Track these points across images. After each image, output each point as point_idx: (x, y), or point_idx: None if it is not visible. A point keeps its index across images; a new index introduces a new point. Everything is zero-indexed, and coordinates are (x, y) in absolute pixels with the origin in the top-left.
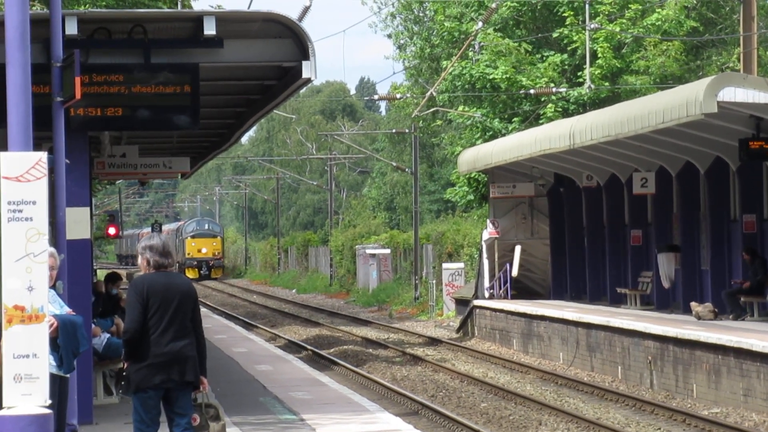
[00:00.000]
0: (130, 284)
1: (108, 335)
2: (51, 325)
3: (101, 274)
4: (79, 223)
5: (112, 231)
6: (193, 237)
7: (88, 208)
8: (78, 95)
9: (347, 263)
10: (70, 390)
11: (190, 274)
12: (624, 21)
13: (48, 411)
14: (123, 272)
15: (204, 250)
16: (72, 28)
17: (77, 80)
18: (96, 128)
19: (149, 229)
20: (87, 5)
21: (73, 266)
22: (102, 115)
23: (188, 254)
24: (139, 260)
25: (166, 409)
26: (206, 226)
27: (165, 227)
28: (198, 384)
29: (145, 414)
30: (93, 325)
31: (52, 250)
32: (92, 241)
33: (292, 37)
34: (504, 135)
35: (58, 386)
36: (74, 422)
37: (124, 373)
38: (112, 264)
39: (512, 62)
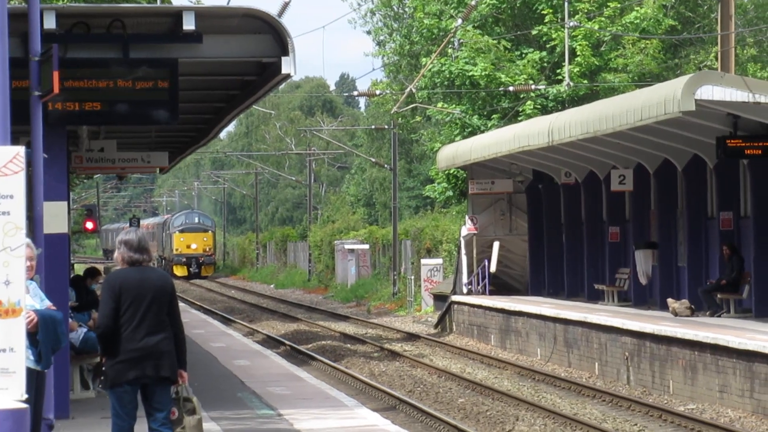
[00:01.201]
0: (104, 280)
1: (85, 329)
2: (30, 320)
3: (79, 269)
4: (56, 217)
5: (89, 225)
6: (181, 231)
7: (65, 203)
8: (56, 89)
9: (326, 259)
10: (46, 384)
11: (178, 271)
12: (603, 19)
13: (24, 405)
14: (102, 266)
15: (193, 246)
16: (50, 23)
17: (55, 74)
18: (74, 123)
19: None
20: (65, 0)
21: (51, 261)
22: (80, 109)
23: (176, 250)
24: (116, 254)
25: (144, 404)
26: (196, 220)
27: (149, 221)
28: (175, 379)
29: (121, 408)
30: (70, 320)
31: (27, 240)
32: (70, 235)
33: (271, 33)
34: (483, 132)
35: (34, 381)
36: (51, 417)
37: (103, 368)
38: (90, 258)
39: (491, 59)
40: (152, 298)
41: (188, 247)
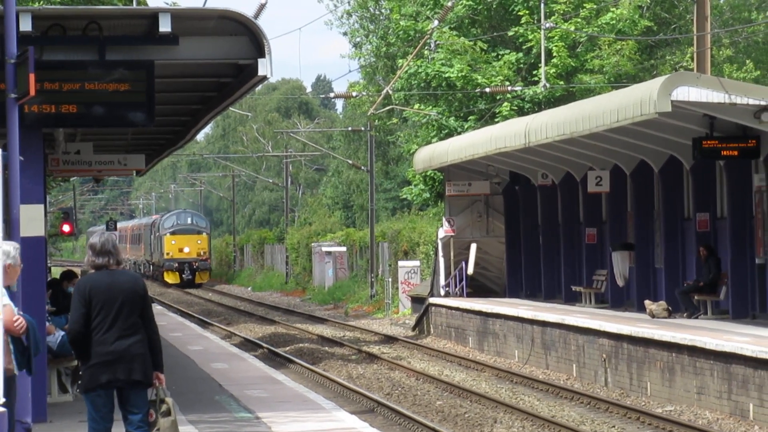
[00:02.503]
0: (75, 285)
1: (62, 333)
2: (22, 326)
3: (56, 272)
4: (33, 220)
5: (66, 228)
6: (173, 233)
7: (42, 206)
8: (32, 92)
9: (303, 261)
10: (24, 388)
11: (170, 278)
12: (579, 20)
13: (2, 409)
14: (79, 269)
15: (187, 250)
16: (26, 25)
17: (31, 77)
18: (50, 125)
19: (122, 224)
20: (41, 2)
21: (27, 264)
22: (56, 111)
23: (167, 254)
24: (85, 259)
25: (120, 407)
26: (189, 220)
27: (134, 222)
28: (149, 382)
29: (96, 413)
30: (47, 323)
31: (16, 246)
32: (46, 238)
33: (247, 35)
34: (459, 133)
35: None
36: (28, 420)
37: (79, 372)
38: (67, 261)
39: (468, 61)
40: (123, 301)
41: (180, 251)
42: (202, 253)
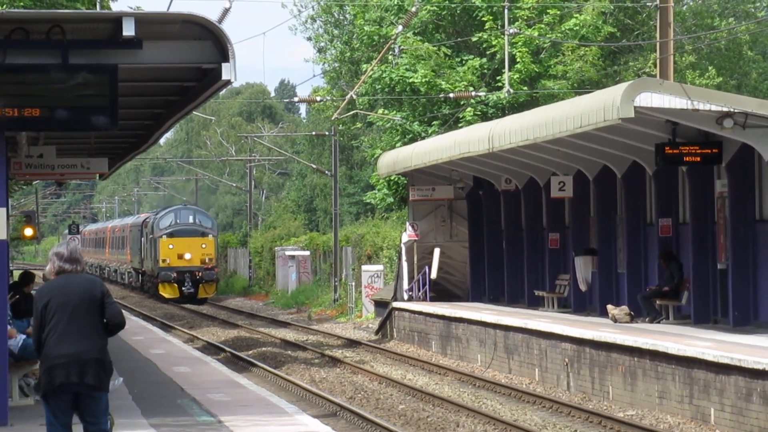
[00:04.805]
0: (35, 294)
1: (24, 336)
2: None
3: (18, 276)
4: None
5: (28, 232)
6: (170, 236)
7: (4, 209)
8: None
9: (266, 265)
10: None
11: (167, 292)
12: (542, 26)
13: None
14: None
15: (188, 256)
16: None
17: None
18: (13, 128)
19: (95, 225)
20: (4, 5)
21: None
22: (19, 115)
23: (163, 262)
24: (48, 267)
25: (79, 418)
26: (190, 219)
27: (117, 223)
28: (104, 388)
29: (54, 418)
30: (9, 327)
31: None
32: (8, 242)
33: (211, 39)
34: (423, 138)
35: None
36: None
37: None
38: (29, 264)
39: (432, 66)
40: (77, 304)
41: (180, 257)
42: (207, 260)
